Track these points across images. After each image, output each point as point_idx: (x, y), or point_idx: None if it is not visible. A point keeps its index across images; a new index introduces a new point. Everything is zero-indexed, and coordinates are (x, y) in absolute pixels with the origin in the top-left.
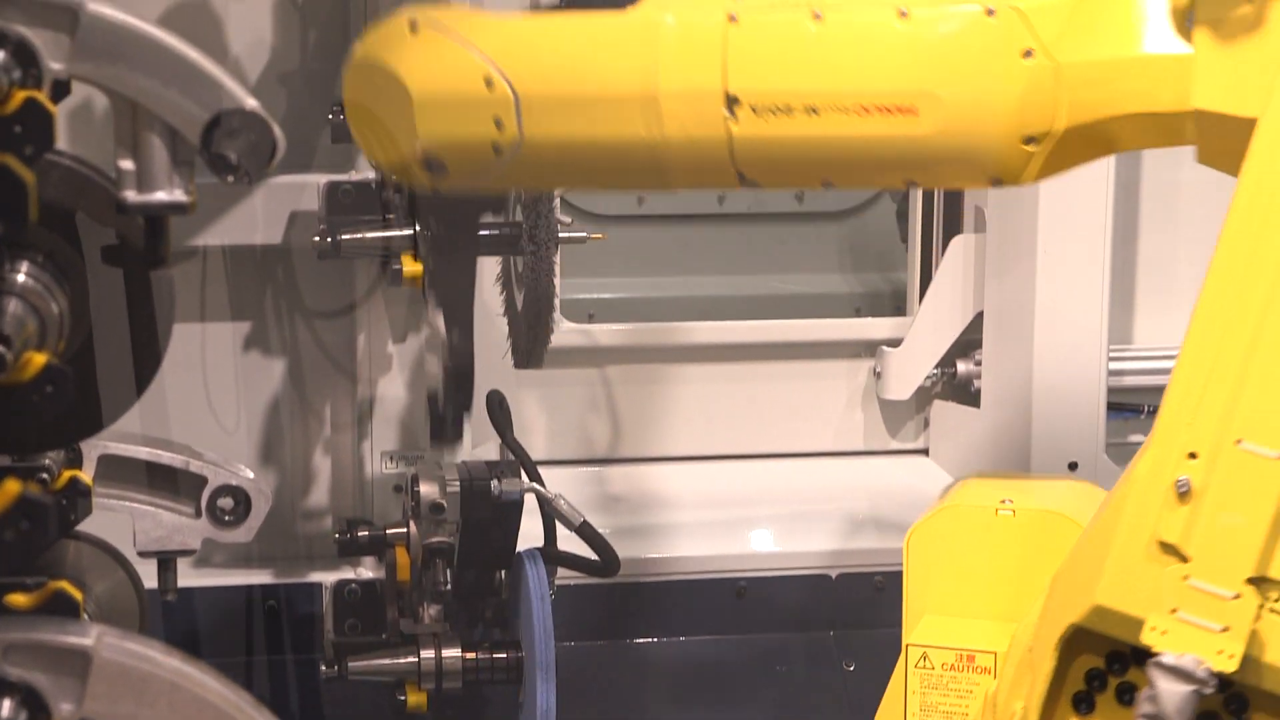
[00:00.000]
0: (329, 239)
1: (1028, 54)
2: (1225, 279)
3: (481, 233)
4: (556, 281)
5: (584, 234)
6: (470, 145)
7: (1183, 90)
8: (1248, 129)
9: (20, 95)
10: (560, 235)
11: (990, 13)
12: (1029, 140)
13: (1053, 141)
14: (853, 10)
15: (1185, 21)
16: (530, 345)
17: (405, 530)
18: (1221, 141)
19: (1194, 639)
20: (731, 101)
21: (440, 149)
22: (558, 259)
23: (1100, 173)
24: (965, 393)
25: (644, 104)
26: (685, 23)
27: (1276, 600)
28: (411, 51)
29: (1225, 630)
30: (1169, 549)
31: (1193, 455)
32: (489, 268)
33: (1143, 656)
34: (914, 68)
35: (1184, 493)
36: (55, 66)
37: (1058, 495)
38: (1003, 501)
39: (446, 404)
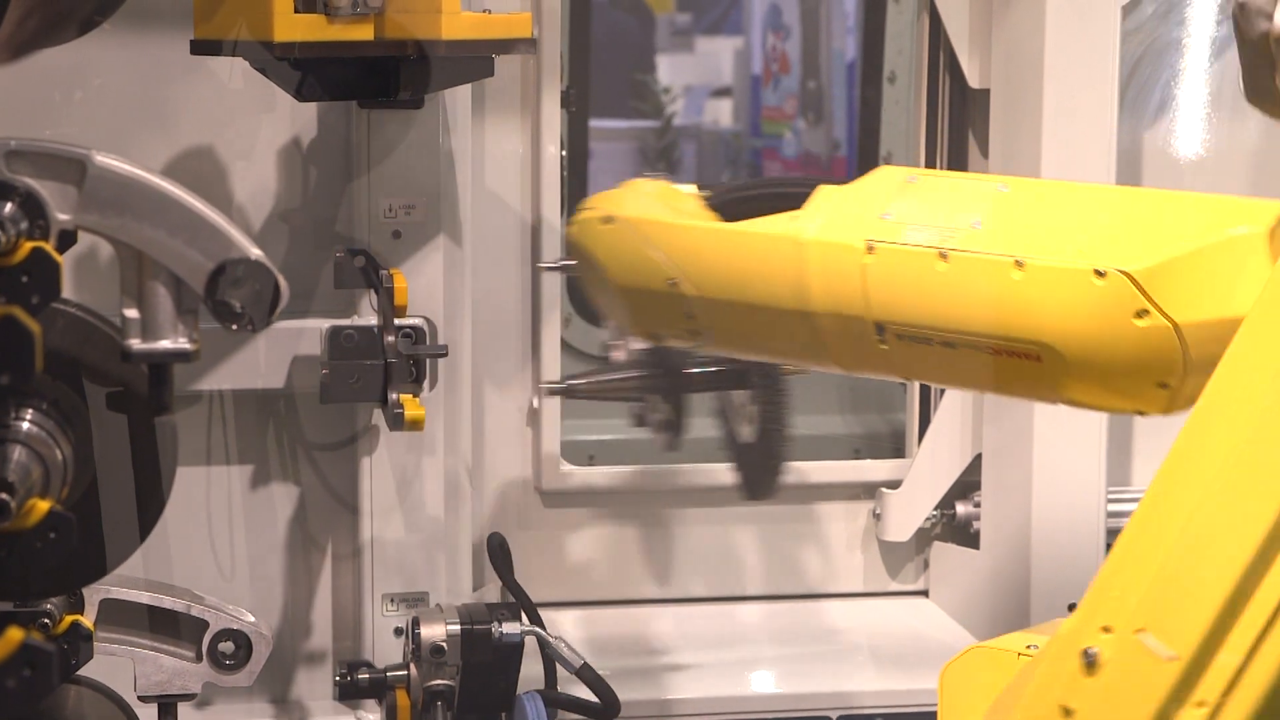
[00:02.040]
0: (563, 384)
1: (1141, 314)
2: (1177, 466)
3: (708, 369)
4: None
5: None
6: (671, 329)
7: None
8: None
9: (27, 246)
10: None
11: (1100, 274)
12: (1163, 385)
13: (1187, 381)
14: (975, 253)
15: None
16: (767, 476)
17: (406, 673)
18: None
19: None
20: (879, 328)
21: (647, 331)
22: None
23: None
24: (965, 534)
25: (801, 318)
26: (828, 247)
27: None
28: (608, 245)
29: None
30: (1068, 715)
31: (1107, 629)
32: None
33: None
34: (1031, 320)
35: (1090, 663)
36: (62, 217)
37: None
38: (1027, 646)
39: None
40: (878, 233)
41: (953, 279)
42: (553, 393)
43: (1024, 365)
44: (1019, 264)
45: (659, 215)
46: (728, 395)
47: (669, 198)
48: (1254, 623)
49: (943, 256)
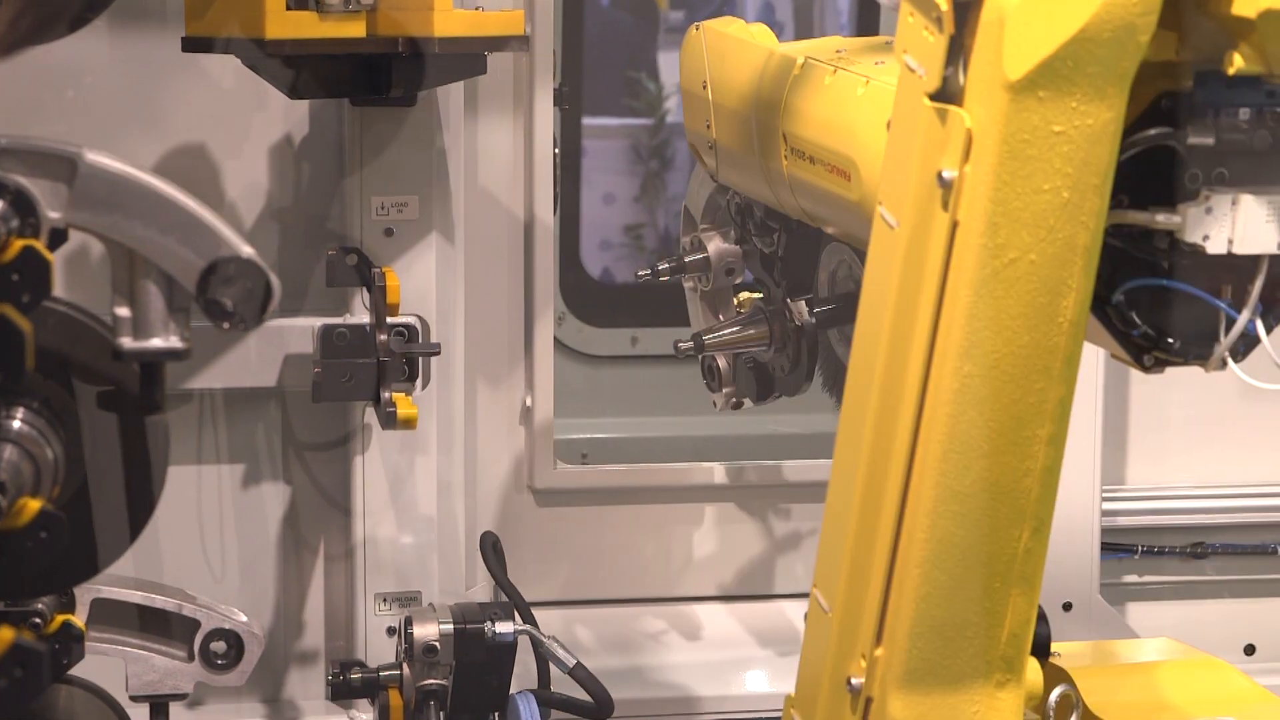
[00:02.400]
0: (691, 341)
1: None
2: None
3: (827, 308)
4: None
5: None
6: (700, 135)
7: None
8: None
9: (18, 244)
10: None
11: None
12: None
13: None
14: (851, 71)
15: None
16: None
17: (399, 672)
18: None
19: None
20: (784, 138)
21: (693, 137)
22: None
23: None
24: None
25: (756, 125)
26: (783, 58)
27: None
28: (687, 48)
29: None
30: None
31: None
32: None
33: None
34: (852, 134)
35: (816, 612)
36: (53, 215)
37: (1108, 654)
38: (1053, 654)
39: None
40: (817, 54)
41: (829, 94)
42: (683, 350)
43: (843, 184)
44: (867, 81)
45: (732, 34)
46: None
47: (762, 34)
48: (879, 573)
49: (834, 72)
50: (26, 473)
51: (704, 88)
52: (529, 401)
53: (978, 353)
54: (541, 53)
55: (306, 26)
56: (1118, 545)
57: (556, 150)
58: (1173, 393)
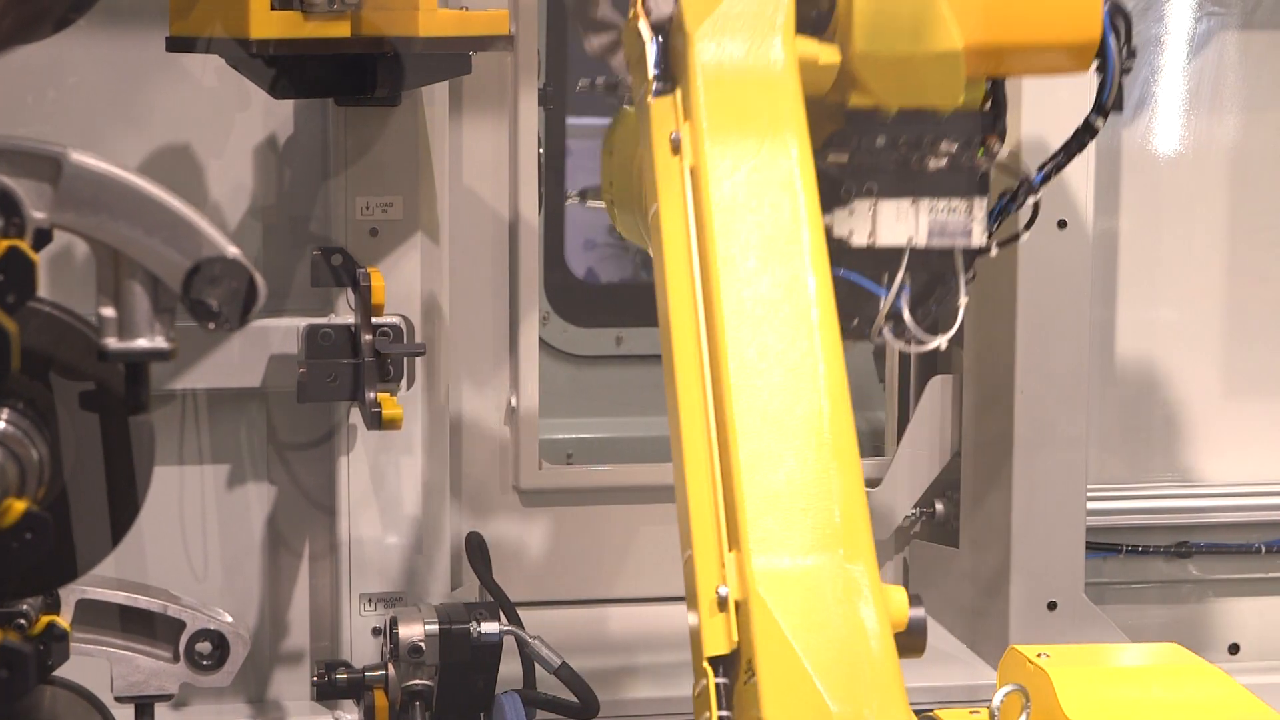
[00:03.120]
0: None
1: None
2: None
3: None
4: None
5: None
6: (608, 198)
7: None
8: None
9: (3, 244)
10: None
11: None
12: None
13: None
14: None
15: None
16: None
17: (384, 673)
18: None
19: None
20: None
21: (606, 199)
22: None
23: (1077, 312)
24: (944, 532)
25: (636, 178)
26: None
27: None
28: (617, 118)
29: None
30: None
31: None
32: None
33: None
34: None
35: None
36: (38, 215)
37: (1104, 657)
38: (1038, 655)
39: None
40: None
41: None
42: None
43: None
44: None
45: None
46: None
47: None
48: (713, 483)
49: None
50: (11, 474)
51: (610, 154)
52: (514, 401)
53: (734, 238)
54: (526, 52)
55: (291, 26)
56: (1102, 544)
57: (541, 150)
58: (1157, 392)
